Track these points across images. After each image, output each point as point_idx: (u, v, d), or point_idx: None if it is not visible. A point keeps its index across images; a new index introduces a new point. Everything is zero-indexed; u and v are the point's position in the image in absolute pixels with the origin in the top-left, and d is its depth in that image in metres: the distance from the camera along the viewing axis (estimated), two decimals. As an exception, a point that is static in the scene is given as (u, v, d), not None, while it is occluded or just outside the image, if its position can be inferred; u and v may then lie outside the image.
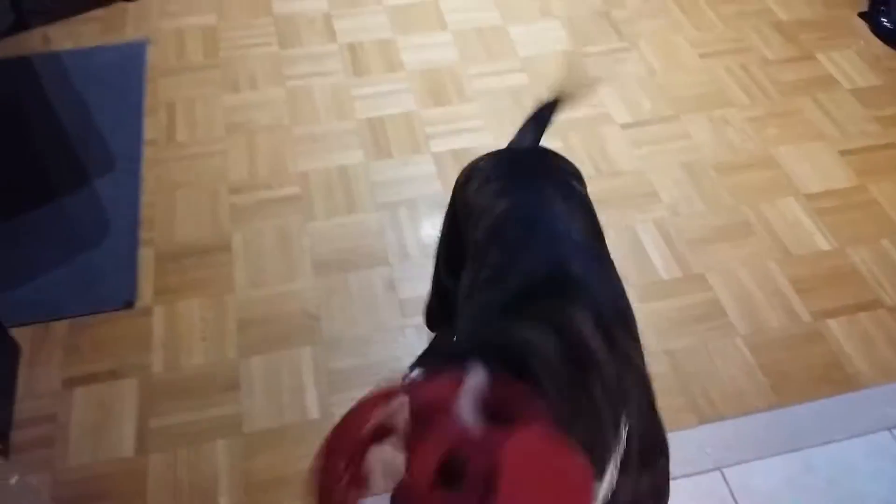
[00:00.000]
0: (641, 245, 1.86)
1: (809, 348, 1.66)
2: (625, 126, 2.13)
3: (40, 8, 1.52)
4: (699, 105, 2.20)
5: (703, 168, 2.03)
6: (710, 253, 1.84)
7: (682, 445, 1.50)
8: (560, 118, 2.10)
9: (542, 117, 1.40)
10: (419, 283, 1.74)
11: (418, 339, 1.69)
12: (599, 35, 2.41)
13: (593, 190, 1.94)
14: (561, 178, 1.17)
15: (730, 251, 1.84)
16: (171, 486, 1.47)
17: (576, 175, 1.23)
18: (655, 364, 1.63)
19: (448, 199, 1.28)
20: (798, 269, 1.81)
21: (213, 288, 1.79)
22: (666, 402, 1.54)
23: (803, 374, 1.62)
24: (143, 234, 1.90)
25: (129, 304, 1.76)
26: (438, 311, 1.44)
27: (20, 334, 1.70)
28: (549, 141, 2.05)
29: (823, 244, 1.86)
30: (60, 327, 1.72)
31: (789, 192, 1.98)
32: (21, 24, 1.52)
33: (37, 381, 1.64)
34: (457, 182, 1.24)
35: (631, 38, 2.39)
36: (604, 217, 1.87)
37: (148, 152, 2.08)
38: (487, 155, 1.24)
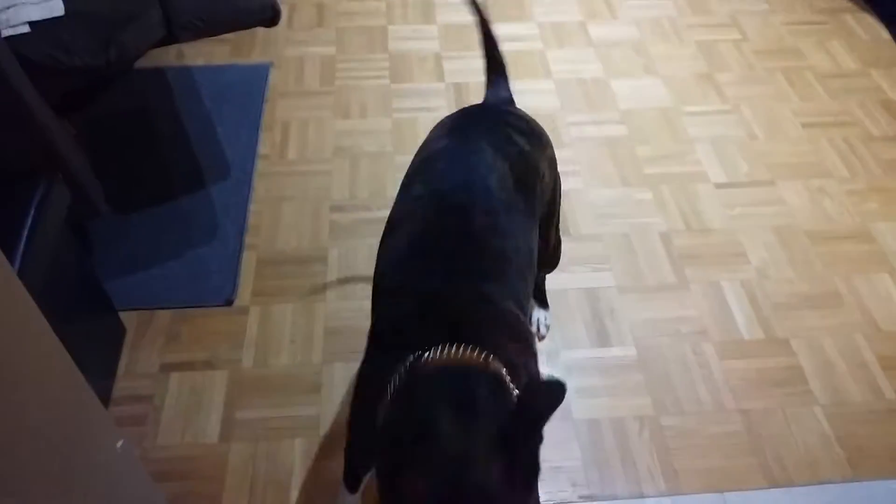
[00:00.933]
0: (726, 303, 1.86)
1: (890, 426, 1.62)
2: (719, 185, 2.15)
3: (190, 26, 1.67)
4: (797, 173, 2.20)
5: (796, 234, 2.03)
6: (796, 319, 1.83)
7: (749, 506, 1.49)
8: (655, 171, 2.17)
9: (492, 55, 1.47)
10: (501, 314, 1.80)
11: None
12: (701, 96, 2.44)
13: (681, 244, 1.99)
14: (504, 131, 1.29)
15: (816, 320, 1.83)
16: (249, 475, 1.56)
17: (527, 132, 1.33)
18: (729, 422, 1.63)
19: None
20: (886, 346, 1.77)
21: (307, 295, 1.90)
22: (736, 462, 1.55)
23: (882, 452, 1.58)
24: (249, 239, 2.03)
25: (229, 302, 1.89)
26: None
27: (127, 318, 1.84)
28: (639, 192, 2.11)
29: (916, 324, 1.82)
30: (164, 315, 1.86)
31: (884, 269, 1.94)
32: (171, 38, 1.67)
33: (137, 362, 1.77)
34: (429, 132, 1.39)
35: (733, 101, 2.42)
36: (689, 271, 1.92)
37: (261, 165, 2.23)
38: (459, 109, 1.41)
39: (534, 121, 1.39)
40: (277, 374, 1.74)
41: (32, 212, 1.35)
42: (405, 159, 2.29)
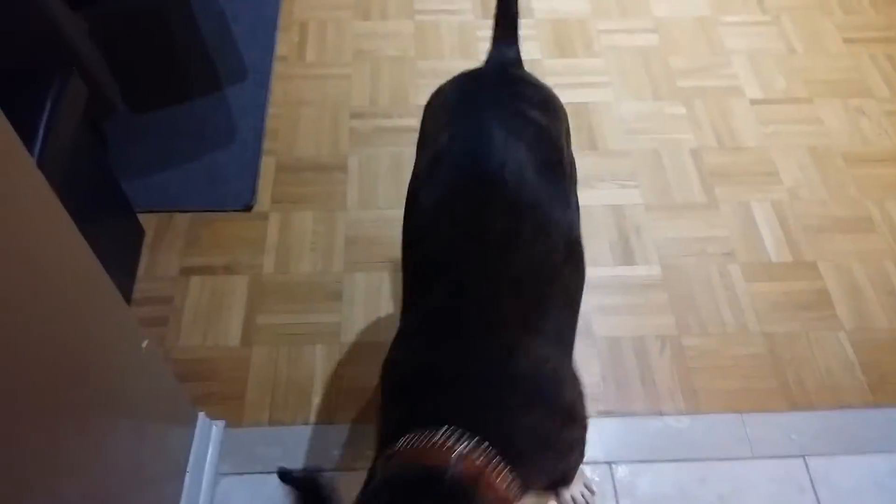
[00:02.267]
0: (755, 224, 1.82)
1: (916, 354, 1.61)
2: (754, 102, 2.07)
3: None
4: (836, 91, 2.10)
5: (831, 155, 1.96)
6: (826, 242, 1.79)
7: (768, 428, 1.50)
8: (688, 84, 2.08)
9: (508, 12, 1.26)
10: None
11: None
12: (740, 5, 2.32)
13: (712, 162, 1.93)
14: (516, 107, 1.10)
15: (846, 244, 1.79)
16: (271, 378, 1.57)
17: (541, 102, 1.14)
18: (752, 345, 1.62)
19: None
20: (917, 274, 1.74)
21: (327, 203, 1.87)
22: (757, 384, 1.55)
23: (905, 379, 1.57)
24: (267, 143, 1.98)
25: (248, 208, 1.85)
26: None
27: (146, 220, 1.82)
28: (671, 106, 2.04)
29: (949, 252, 1.78)
30: (183, 219, 1.83)
31: (920, 195, 1.89)
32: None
33: (157, 265, 1.76)
34: (426, 104, 1.23)
35: (774, 12, 2.30)
36: (719, 190, 1.87)
37: (278, 67, 2.15)
38: (458, 75, 1.19)
39: (548, 88, 1.20)
40: (298, 281, 1.73)
41: (49, 104, 1.30)
42: (428, 65, 2.23)
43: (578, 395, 0.98)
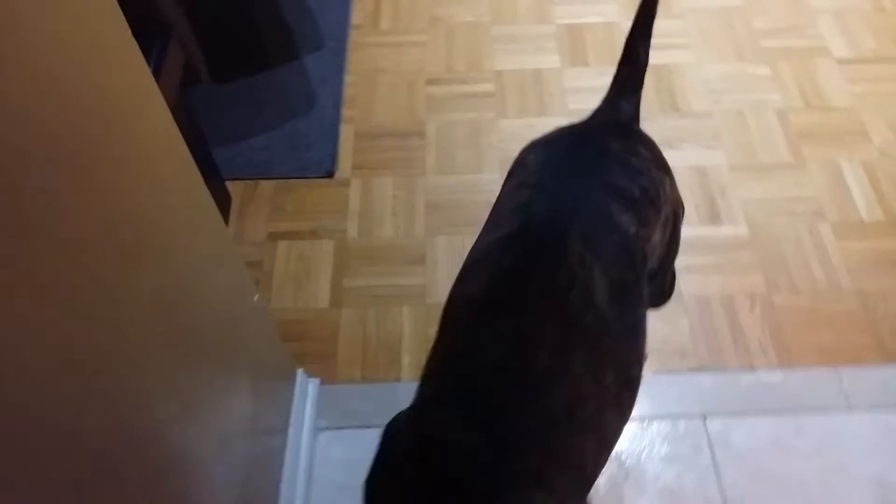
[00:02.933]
0: (845, 183, 1.78)
1: None
2: (842, 61, 2.01)
3: None
4: (928, 48, 2.04)
5: (923, 114, 1.90)
6: (920, 201, 1.74)
7: (863, 380, 1.48)
8: (773, 45, 2.03)
9: (633, 48, 1.11)
10: (607, 190, 1.77)
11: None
12: (823, -38, 2.25)
13: (799, 122, 1.88)
14: (602, 208, 0.93)
15: (942, 201, 1.74)
16: (361, 338, 1.60)
17: (634, 200, 0.96)
18: (844, 301, 1.59)
19: None
20: None
21: (406, 169, 1.89)
22: (851, 339, 1.52)
23: None
24: (345, 111, 2.01)
25: (330, 174, 1.89)
26: None
27: (232, 187, 1.86)
28: (755, 67, 1.99)
29: None
30: (268, 186, 1.87)
31: None
32: None
33: (245, 230, 1.80)
34: (514, 162, 1.09)
35: (859, -32, 2.23)
36: (806, 150, 1.83)
37: (354, 36, 2.18)
38: (546, 141, 1.05)
39: (655, 171, 1.03)
40: (381, 245, 1.75)
41: (152, 67, 1.34)
42: (502, 30, 2.23)
43: None
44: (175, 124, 0.89)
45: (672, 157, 1.84)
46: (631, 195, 0.96)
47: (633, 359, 0.91)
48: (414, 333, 1.61)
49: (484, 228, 1.02)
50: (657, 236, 1.01)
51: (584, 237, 0.89)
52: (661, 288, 1.33)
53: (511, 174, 1.06)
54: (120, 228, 0.73)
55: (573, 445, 0.83)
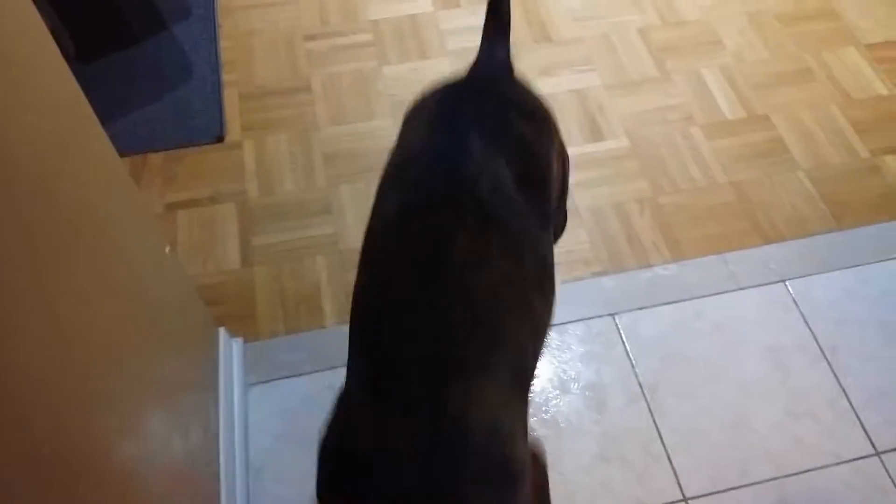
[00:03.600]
0: (707, 88, 1.93)
1: (867, 181, 1.76)
2: (689, -22, 2.16)
3: None
4: (762, -40, 2.21)
5: (767, 19, 2.08)
6: (774, 96, 1.91)
7: (747, 262, 1.62)
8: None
9: (499, 8, 1.13)
10: (496, 120, 1.84)
11: (496, 171, 1.79)
12: None
13: (659, 38, 2.02)
14: (501, 118, 0.98)
15: (792, 95, 1.91)
16: (278, 294, 1.61)
17: (531, 113, 1.03)
18: (721, 194, 1.74)
19: None
20: (857, 112, 1.88)
21: (298, 125, 1.89)
22: (732, 227, 1.67)
23: (861, 204, 1.72)
24: (226, 75, 1.97)
25: (219, 139, 1.86)
26: None
27: (118, 166, 1.80)
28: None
29: (882, 90, 1.93)
30: (156, 158, 1.83)
31: (850, 43, 2.03)
32: None
33: (138, 207, 1.75)
34: (405, 114, 1.10)
35: None
36: (669, 63, 1.96)
37: (223, 1, 2.13)
38: (442, 86, 1.07)
39: (540, 98, 1.09)
40: (286, 201, 1.76)
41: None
42: (373, -22, 2.23)
43: (537, 470, 0.91)
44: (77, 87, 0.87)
45: (551, 83, 1.95)
46: (523, 109, 1.02)
47: (546, 244, 0.94)
48: (331, 281, 1.63)
49: (387, 164, 1.03)
50: (555, 165, 1.03)
51: (486, 137, 0.93)
52: (556, 226, 1.29)
53: (408, 119, 1.07)
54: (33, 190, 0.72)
55: (506, 329, 0.84)
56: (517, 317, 0.86)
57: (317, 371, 1.49)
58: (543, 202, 0.96)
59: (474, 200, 0.88)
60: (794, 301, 1.56)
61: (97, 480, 0.78)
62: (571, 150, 1.81)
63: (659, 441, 1.40)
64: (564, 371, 1.49)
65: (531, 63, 1.99)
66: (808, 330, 1.53)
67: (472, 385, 0.80)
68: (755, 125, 1.86)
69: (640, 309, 1.56)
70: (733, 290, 1.59)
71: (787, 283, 1.59)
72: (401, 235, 0.89)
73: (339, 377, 1.48)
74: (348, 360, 0.91)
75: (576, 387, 1.47)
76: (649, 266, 1.63)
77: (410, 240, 0.87)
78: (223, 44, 2.04)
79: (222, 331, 1.45)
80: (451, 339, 0.81)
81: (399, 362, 0.82)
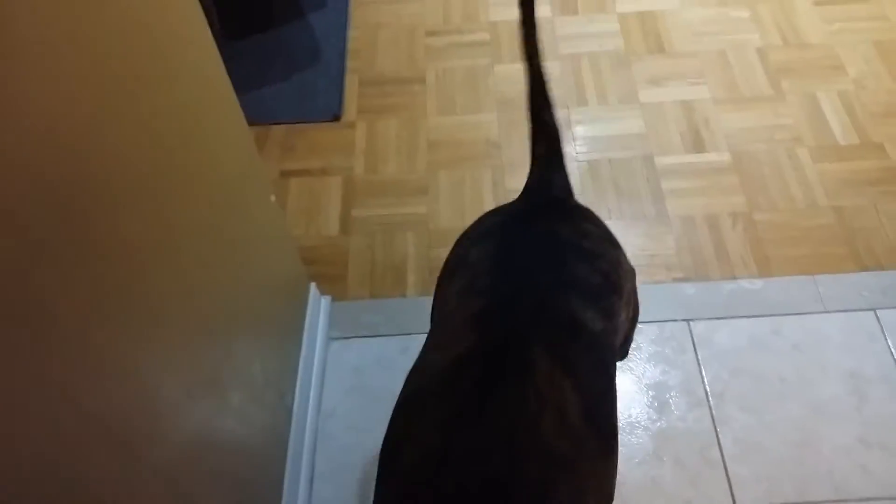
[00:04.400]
0: (822, 112, 1.88)
1: None
2: (817, 2, 2.11)
3: None
4: (901, -12, 2.14)
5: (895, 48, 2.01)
6: (892, 125, 1.84)
7: (838, 286, 1.58)
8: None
9: (546, 126, 0.99)
10: (593, 125, 1.88)
11: (579, 167, 1.83)
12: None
13: (777, 59, 1.99)
14: (564, 310, 0.83)
15: (913, 126, 1.84)
16: (369, 261, 1.72)
17: (597, 291, 0.87)
18: (821, 217, 1.70)
19: None
20: None
21: (408, 112, 2.00)
22: (827, 250, 1.63)
23: (975, 243, 1.63)
24: (350, 62, 2.13)
25: (336, 118, 2.00)
26: None
27: (245, 134, 1.98)
28: (735, 9, 2.10)
29: None
30: (279, 130, 1.99)
31: None
32: None
33: (257, 173, 1.92)
34: (452, 249, 0.99)
35: (835, -83, 2.33)
36: (785, 83, 1.94)
37: (356, -6, 2.29)
38: (486, 229, 0.94)
39: (611, 252, 0.93)
40: (387, 180, 1.87)
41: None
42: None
43: None
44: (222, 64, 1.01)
45: (658, 93, 1.97)
46: (591, 286, 0.86)
47: (611, 475, 0.81)
48: (417, 256, 1.72)
49: (431, 341, 0.88)
50: (622, 318, 0.92)
51: (549, 350, 0.79)
52: (621, 354, 1.17)
53: (452, 271, 0.93)
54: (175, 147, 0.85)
55: None
56: None
57: (393, 335, 1.59)
58: (609, 423, 0.81)
59: (538, 448, 0.74)
60: (883, 331, 1.50)
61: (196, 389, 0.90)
62: (671, 159, 1.83)
63: (717, 448, 1.39)
64: (632, 367, 1.51)
65: (641, 73, 2.01)
66: (893, 361, 1.47)
67: None
68: (867, 153, 1.80)
69: (718, 318, 1.55)
70: (819, 313, 1.55)
71: (877, 311, 1.53)
72: (447, 483, 0.72)
73: (413, 342, 1.57)
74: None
75: (641, 384, 1.49)
76: (733, 278, 1.62)
77: (460, 493, 0.71)
78: (351, 33, 2.20)
79: (313, 286, 1.57)
80: None
81: None
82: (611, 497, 0.81)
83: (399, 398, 0.83)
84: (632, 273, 0.99)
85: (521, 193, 1.00)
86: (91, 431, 0.66)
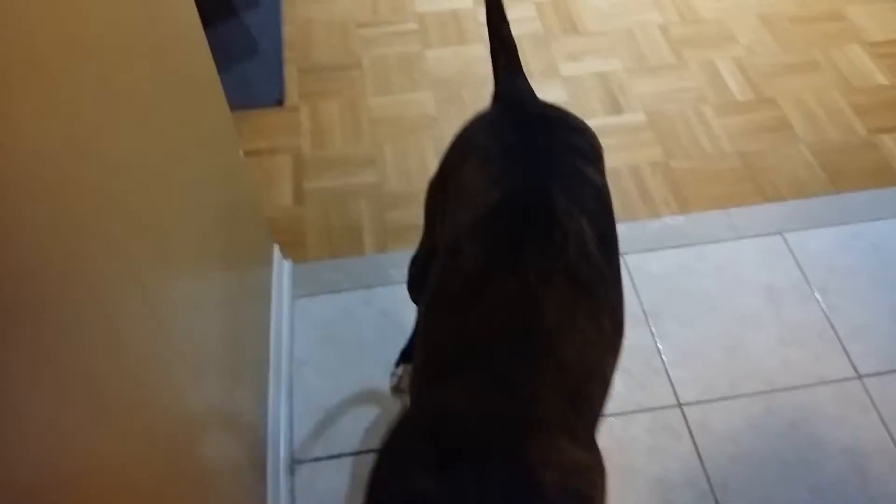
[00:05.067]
0: (720, 75, 2.12)
1: (864, 154, 1.92)
2: (707, -18, 2.38)
3: None
4: (776, -29, 2.42)
5: (779, 19, 2.27)
6: (781, 83, 2.09)
7: (749, 216, 1.79)
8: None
9: (503, 38, 1.12)
10: (525, 93, 2.06)
11: (523, 136, 1.99)
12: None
13: (677, 33, 2.22)
14: (570, 163, 0.96)
15: (798, 82, 2.10)
16: (325, 228, 1.81)
17: (592, 152, 1.01)
18: (728, 161, 1.91)
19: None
20: (858, 97, 2.05)
21: (348, 95, 2.12)
22: (736, 188, 1.84)
23: (857, 173, 1.88)
24: (287, 53, 2.23)
25: (279, 103, 2.10)
26: (423, 271, 1.17)
27: (189, 124, 2.05)
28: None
29: (883, 80, 2.10)
30: (224, 118, 2.07)
31: (855, 40, 2.21)
32: None
33: (205, 159, 1.99)
34: (450, 151, 1.07)
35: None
36: (685, 52, 2.16)
37: (286, -8, 2.41)
38: (484, 124, 1.05)
39: (590, 130, 1.05)
40: (335, 155, 1.98)
41: None
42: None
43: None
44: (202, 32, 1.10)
45: (576, 67, 2.17)
46: (585, 150, 0.99)
47: (620, 303, 0.93)
48: (372, 217, 1.83)
49: (454, 211, 0.98)
50: (610, 198, 1.03)
51: (565, 193, 0.91)
52: None
53: (463, 156, 1.03)
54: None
55: (585, 392, 0.84)
56: (595, 379, 0.86)
57: (354, 289, 1.68)
58: (615, 260, 0.94)
59: (564, 268, 0.86)
60: (790, 250, 1.71)
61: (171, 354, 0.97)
62: (592, 121, 2.01)
63: (658, 357, 1.55)
64: (577, 301, 1.65)
65: (559, 50, 2.21)
66: (801, 274, 1.68)
67: (551, 443, 0.78)
68: (762, 106, 2.04)
69: (648, 251, 1.73)
70: (734, 239, 1.75)
71: (784, 234, 1.74)
72: (489, 297, 0.85)
73: (373, 295, 1.67)
74: (419, 398, 0.87)
75: (587, 314, 1.63)
76: (658, 216, 1.80)
77: (499, 303, 0.84)
78: (286, 28, 2.31)
79: (277, 247, 1.66)
80: (535, 399, 0.80)
81: (480, 420, 0.78)
82: (621, 325, 0.93)
83: (441, 255, 0.95)
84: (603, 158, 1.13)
85: (493, 100, 1.10)
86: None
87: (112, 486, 0.66)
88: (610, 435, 1.45)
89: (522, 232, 0.87)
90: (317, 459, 1.41)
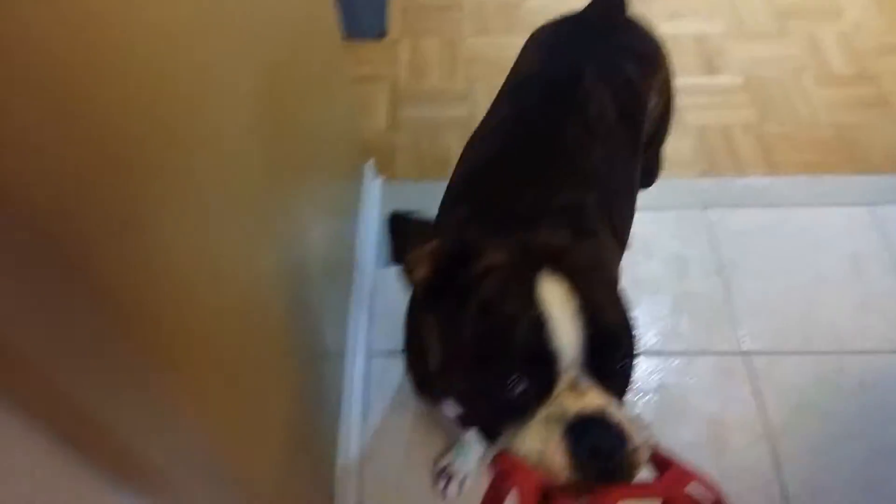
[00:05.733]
0: (822, 47, 2.09)
1: (967, 137, 1.87)
2: (820, -45, 2.33)
3: None
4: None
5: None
6: (886, 62, 2.05)
7: (838, 186, 1.78)
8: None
9: None
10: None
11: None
12: None
13: (784, 3, 2.20)
14: (612, 56, 1.10)
15: (904, 60, 2.05)
16: (416, 153, 1.88)
17: (641, 56, 1.14)
18: (823, 131, 1.90)
19: None
20: (967, 82, 2.00)
21: (447, 33, 2.18)
22: (828, 157, 1.83)
23: (957, 155, 1.84)
24: (392, -10, 2.30)
25: (381, 35, 2.17)
26: None
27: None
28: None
29: None
30: (327, 44, 2.15)
31: (970, 26, 2.15)
32: None
33: (306, 81, 2.08)
34: (526, 42, 1.26)
35: None
36: (790, 23, 2.14)
37: (397, -68, 2.46)
38: (561, 18, 1.21)
39: (650, 38, 1.17)
40: (429, 88, 2.04)
41: None
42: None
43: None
44: None
45: (676, 26, 2.17)
46: (632, 51, 1.13)
47: (634, 169, 1.08)
48: (461, 149, 1.88)
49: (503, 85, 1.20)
50: (653, 100, 1.14)
51: (597, 70, 1.06)
52: (651, 165, 1.38)
53: (524, 51, 1.22)
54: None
55: (610, 189, 0.99)
56: (617, 196, 1.03)
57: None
58: (636, 136, 1.09)
59: (582, 119, 1.00)
60: (877, 222, 1.70)
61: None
62: (688, 80, 2.02)
63: (729, 305, 1.57)
64: (651, 244, 1.68)
65: (659, 8, 2.21)
66: (885, 246, 1.66)
67: (582, 193, 0.95)
68: (864, 82, 2.01)
69: (730, 207, 1.74)
70: (820, 206, 1.74)
71: (872, 207, 1.72)
72: (519, 128, 1.03)
73: (459, 214, 1.73)
74: (444, 205, 1.08)
75: (660, 255, 1.66)
76: (743, 174, 1.81)
77: (527, 130, 1.01)
78: (393, -35, 2.37)
79: (371, 161, 1.74)
80: (555, 177, 0.95)
81: (506, 208, 0.92)
82: (635, 183, 1.09)
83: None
84: (672, 88, 1.24)
85: (587, 6, 1.21)
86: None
87: (209, 321, 0.68)
88: (670, 371, 1.49)
89: (549, 90, 1.04)
90: (390, 353, 1.49)
